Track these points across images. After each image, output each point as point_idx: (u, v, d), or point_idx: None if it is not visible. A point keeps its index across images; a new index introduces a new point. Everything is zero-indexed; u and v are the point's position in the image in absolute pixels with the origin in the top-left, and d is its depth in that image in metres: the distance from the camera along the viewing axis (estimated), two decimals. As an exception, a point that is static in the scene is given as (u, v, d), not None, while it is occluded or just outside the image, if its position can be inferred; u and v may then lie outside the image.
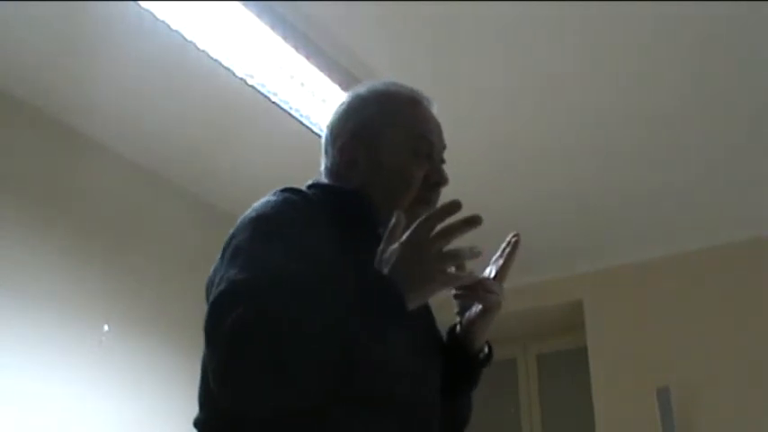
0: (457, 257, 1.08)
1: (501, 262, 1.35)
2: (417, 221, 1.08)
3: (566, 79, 2.65)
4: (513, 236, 1.37)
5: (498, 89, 2.69)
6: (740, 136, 2.90)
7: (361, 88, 1.42)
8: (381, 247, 1.12)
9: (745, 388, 3.34)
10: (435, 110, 1.41)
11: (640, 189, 3.25)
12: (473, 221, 1.06)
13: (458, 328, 1.39)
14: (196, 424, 1.18)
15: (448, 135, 1.41)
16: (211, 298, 1.07)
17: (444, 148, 1.40)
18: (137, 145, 2.97)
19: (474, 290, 1.32)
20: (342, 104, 1.41)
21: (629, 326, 3.69)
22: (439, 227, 1.07)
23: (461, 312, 1.38)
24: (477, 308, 1.35)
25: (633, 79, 2.64)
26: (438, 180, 1.34)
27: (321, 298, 1.04)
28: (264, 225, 1.17)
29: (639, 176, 3.16)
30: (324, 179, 1.37)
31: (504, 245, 1.37)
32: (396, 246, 1.08)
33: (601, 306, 3.81)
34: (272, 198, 1.23)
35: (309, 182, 1.35)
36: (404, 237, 1.08)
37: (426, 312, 1.40)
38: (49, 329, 2.63)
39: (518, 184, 3.25)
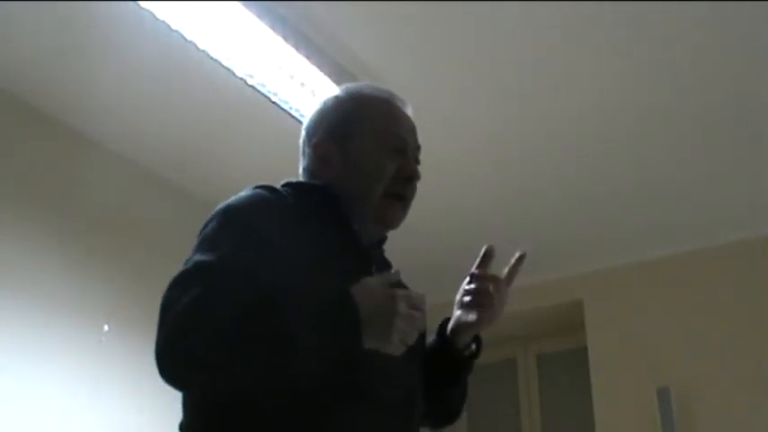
0: (420, 324, 1.14)
1: (506, 276, 1.41)
2: (413, 297, 1.13)
3: (563, 79, 2.65)
4: (519, 256, 1.43)
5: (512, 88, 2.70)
6: (741, 135, 2.90)
7: (336, 91, 1.46)
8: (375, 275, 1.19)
9: (745, 388, 3.34)
10: (410, 111, 1.44)
11: (640, 189, 3.24)
12: None
13: (450, 323, 1.42)
14: (181, 427, 1.21)
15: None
16: (174, 276, 1.11)
17: (418, 148, 1.42)
18: (136, 145, 2.97)
19: (480, 298, 1.38)
20: (318, 106, 1.45)
21: (629, 326, 3.69)
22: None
23: (462, 309, 1.41)
24: (472, 315, 1.39)
25: (631, 77, 2.64)
26: (410, 174, 1.36)
27: (274, 300, 1.08)
28: (233, 216, 1.21)
29: (639, 176, 3.16)
30: (300, 179, 1.41)
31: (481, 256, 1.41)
32: (380, 288, 1.12)
33: (601, 306, 3.81)
34: (245, 193, 1.27)
35: (283, 181, 1.38)
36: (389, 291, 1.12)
37: None
38: (49, 330, 2.63)
39: (516, 184, 3.24)
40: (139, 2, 2.19)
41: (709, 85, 2.66)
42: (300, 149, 1.44)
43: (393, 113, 1.40)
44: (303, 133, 1.44)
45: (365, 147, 1.36)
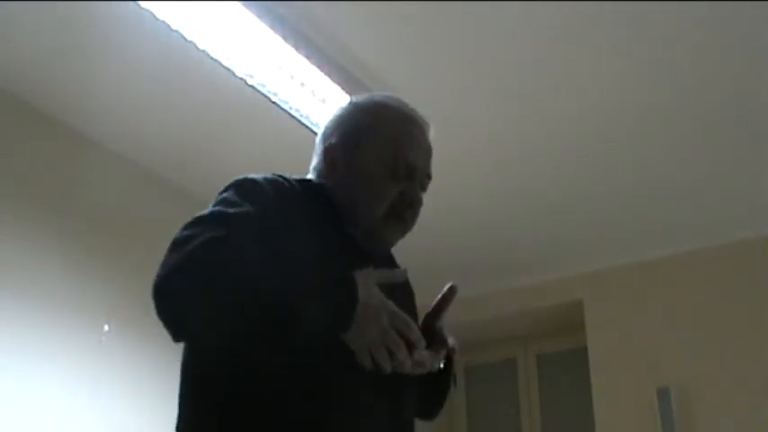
0: (394, 345, 1.09)
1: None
2: (401, 319, 1.10)
3: (563, 79, 2.65)
4: (449, 288, 1.34)
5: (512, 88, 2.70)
6: (741, 135, 2.90)
7: (362, 96, 1.46)
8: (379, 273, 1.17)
9: (745, 388, 3.34)
10: (431, 134, 1.42)
11: (640, 189, 3.25)
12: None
13: None
14: (178, 429, 1.22)
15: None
16: (188, 220, 1.13)
17: (429, 175, 1.40)
18: (136, 145, 2.97)
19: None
20: (340, 108, 1.44)
21: (629, 326, 3.69)
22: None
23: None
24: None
25: (631, 77, 2.64)
26: (411, 200, 1.34)
27: (283, 262, 1.09)
28: (251, 186, 1.23)
29: (639, 176, 3.16)
30: (308, 176, 1.42)
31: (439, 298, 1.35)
32: (378, 293, 1.11)
33: (601, 306, 3.81)
34: (261, 173, 1.28)
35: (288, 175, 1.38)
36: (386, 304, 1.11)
37: (406, 298, 1.41)
38: (49, 330, 2.62)
39: (516, 184, 3.24)
40: (139, 2, 2.19)
41: (709, 85, 2.66)
42: (316, 146, 1.44)
43: (409, 134, 1.38)
44: (321, 131, 1.44)
45: (369, 163, 1.35)
